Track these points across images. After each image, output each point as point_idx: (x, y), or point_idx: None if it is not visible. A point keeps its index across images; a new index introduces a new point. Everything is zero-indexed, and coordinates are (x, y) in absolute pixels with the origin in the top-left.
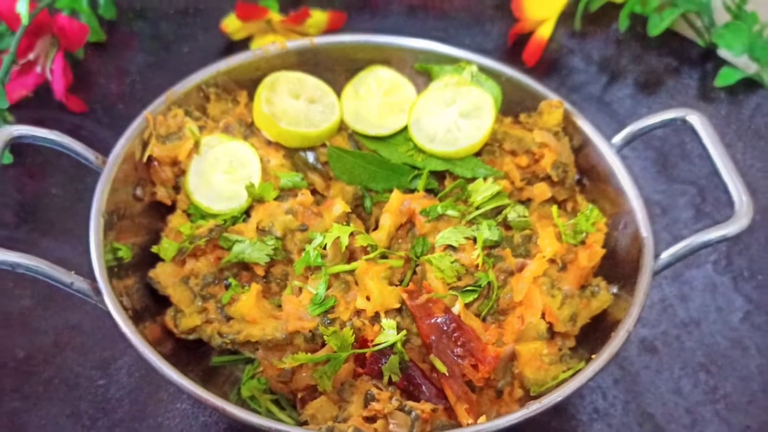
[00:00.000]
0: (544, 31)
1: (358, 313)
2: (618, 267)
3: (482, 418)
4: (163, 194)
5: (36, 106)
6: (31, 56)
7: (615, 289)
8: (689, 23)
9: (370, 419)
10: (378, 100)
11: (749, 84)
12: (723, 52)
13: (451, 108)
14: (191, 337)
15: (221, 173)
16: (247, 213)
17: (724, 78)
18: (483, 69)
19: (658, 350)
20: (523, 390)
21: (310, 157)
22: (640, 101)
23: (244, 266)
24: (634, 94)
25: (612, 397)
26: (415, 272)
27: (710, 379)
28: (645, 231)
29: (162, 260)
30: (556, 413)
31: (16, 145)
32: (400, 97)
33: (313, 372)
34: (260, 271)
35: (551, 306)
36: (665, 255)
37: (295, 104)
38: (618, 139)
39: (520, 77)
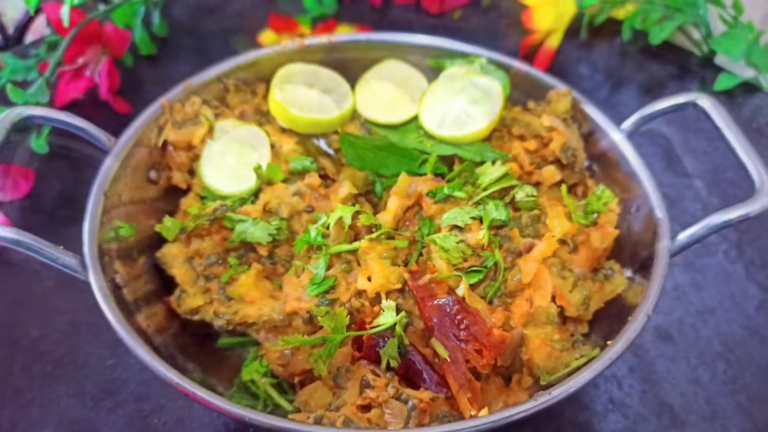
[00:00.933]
0: (553, 41)
1: (359, 294)
2: (630, 251)
3: (484, 411)
4: (178, 178)
5: (84, 108)
6: (80, 61)
7: (629, 273)
8: (687, 36)
9: (365, 408)
10: (390, 90)
11: (747, 88)
12: (720, 60)
13: (461, 95)
14: (195, 318)
15: (233, 156)
16: (256, 195)
17: (722, 83)
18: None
19: (674, 338)
20: (533, 378)
21: (322, 143)
22: (645, 103)
23: (251, 247)
24: (638, 97)
25: (628, 387)
26: (421, 254)
27: (729, 368)
28: (660, 212)
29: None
30: (569, 403)
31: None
32: (411, 88)
33: (308, 356)
34: (263, 251)
35: (562, 288)
36: (683, 236)
37: (308, 93)
38: (627, 124)
39: (528, 70)
